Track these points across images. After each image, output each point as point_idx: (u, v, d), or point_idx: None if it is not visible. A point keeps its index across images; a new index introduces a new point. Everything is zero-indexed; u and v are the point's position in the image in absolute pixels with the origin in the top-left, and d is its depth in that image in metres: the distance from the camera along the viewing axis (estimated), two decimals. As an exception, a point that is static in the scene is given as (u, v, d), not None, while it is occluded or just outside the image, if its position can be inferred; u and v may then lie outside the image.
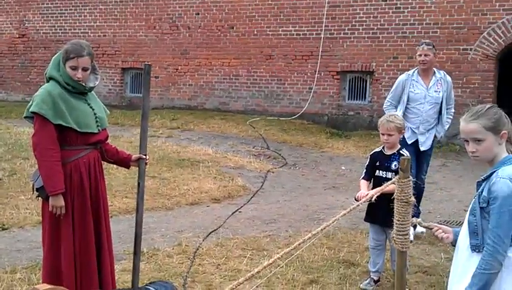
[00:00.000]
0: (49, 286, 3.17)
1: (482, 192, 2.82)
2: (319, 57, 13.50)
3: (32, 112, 3.90)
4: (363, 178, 5.14)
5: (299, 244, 3.44)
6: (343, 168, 10.29)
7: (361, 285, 5.03)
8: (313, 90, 13.63)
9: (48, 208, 3.95)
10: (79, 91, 4.03)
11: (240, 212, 7.35)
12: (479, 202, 2.81)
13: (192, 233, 6.43)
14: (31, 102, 3.96)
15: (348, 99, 13.61)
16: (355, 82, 13.53)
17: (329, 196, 8.35)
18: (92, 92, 4.21)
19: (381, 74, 12.93)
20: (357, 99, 13.53)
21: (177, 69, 15.33)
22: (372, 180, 5.10)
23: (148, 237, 6.21)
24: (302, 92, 13.85)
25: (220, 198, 8.01)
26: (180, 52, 15.24)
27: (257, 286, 4.90)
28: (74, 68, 3.93)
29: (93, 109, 4.09)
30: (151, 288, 3.47)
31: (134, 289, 3.59)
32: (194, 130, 13.01)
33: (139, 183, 4.25)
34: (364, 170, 5.20)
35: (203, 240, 6.13)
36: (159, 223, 6.84)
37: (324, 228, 2.99)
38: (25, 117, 4.07)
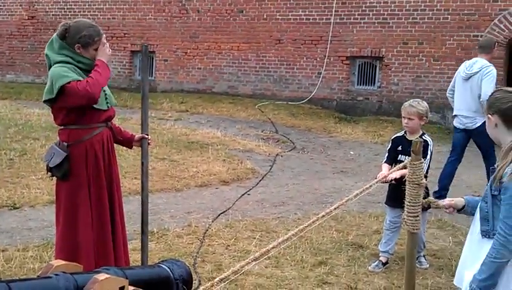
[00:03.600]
0: (63, 262, 3.21)
1: (494, 179, 2.79)
2: (329, 41, 13.45)
3: (61, 86, 3.75)
4: (385, 162, 5.17)
5: (309, 225, 3.46)
6: (351, 153, 10.30)
7: (369, 267, 5.06)
8: (322, 75, 13.60)
9: (63, 187, 3.96)
10: (91, 68, 4.01)
11: (248, 194, 7.38)
12: (491, 189, 2.80)
13: (202, 214, 6.47)
14: (49, 84, 3.83)
15: (357, 84, 13.58)
16: (365, 67, 13.49)
17: (338, 180, 8.37)
18: None
19: (390, 60, 12.88)
20: (366, 85, 13.50)
21: (186, 53, 15.32)
22: (393, 165, 5.09)
23: (157, 218, 6.26)
24: (311, 77, 13.82)
25: (229, 180, 8.04)
26: (189, 35, 15.22)
27: (266, 267, 4.94)
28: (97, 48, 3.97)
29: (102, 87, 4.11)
30: (163, 265, 3.49)
31: (146, 266, 3.63)
32: (202, 114, 13.04)
33: (142, 163, 4.31)
34: (387, 154, 5.23)
35: (213, 221, 6.18)
36: (168, 204, 6.89)
37: (336, 208, 3.01)
38: (44, 101, 3.94)
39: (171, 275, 3.46)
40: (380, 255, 5.19)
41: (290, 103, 13.69)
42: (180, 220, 6.25)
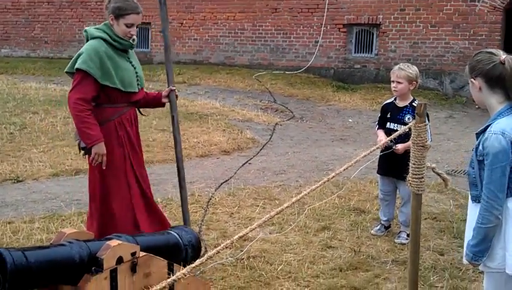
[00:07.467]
0: (74, 230, 3.29)
1: (478, 145, 2.79)
2: (325, 9, 13.37)
3: (77, 69, 3.83)
4: (378, 128, 5.12)
5: (312, 190, 3.50)
6: (350, 120, 10.33)
7: (372, 231, 5.13)
8: (319, 44, 13.55)
9: (97, 164, 3.97)
10: (126, 48, 4.03)
11: (250, 163, 7.42)
12: (476, 155, 2.80)
13: (204, 184, 6.53)
14: (75, 57, 3.89)
15: (355, 52, 13.53)
16: (362, 35, 13.43)
17: (338, 148, 8.42)
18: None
19: (388, 27, 12.83)
20: (363, 52, 13.45)
21: (181, 24, 15.21)
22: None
23: (161, 188, 6.32)
24: (308, 46, 13.77)
25: (230, 150, 8.09)
26: (184, 6, 15.09)
27: (270, 233, 5.01)
28: (130, 25, 3.94)
29: (134, 68, 4.10)
30: (172, 232, 3.56)
31: (156, 233, 3.69)
32: (200, 85, 13.02)
33: (173, 116, 4.37)
34: (377, 121, 5.18)
35: (216, 190, 6.22)
36: (171, 174, 6.89)
37: (335, 174, 3.03)
38: (66, 72, 4.03)
39: (180, 241, 3.54)
40: (381, 221, 5.24)
41: (287, 72, 13.67)
42: (183, 190, 6.29)
